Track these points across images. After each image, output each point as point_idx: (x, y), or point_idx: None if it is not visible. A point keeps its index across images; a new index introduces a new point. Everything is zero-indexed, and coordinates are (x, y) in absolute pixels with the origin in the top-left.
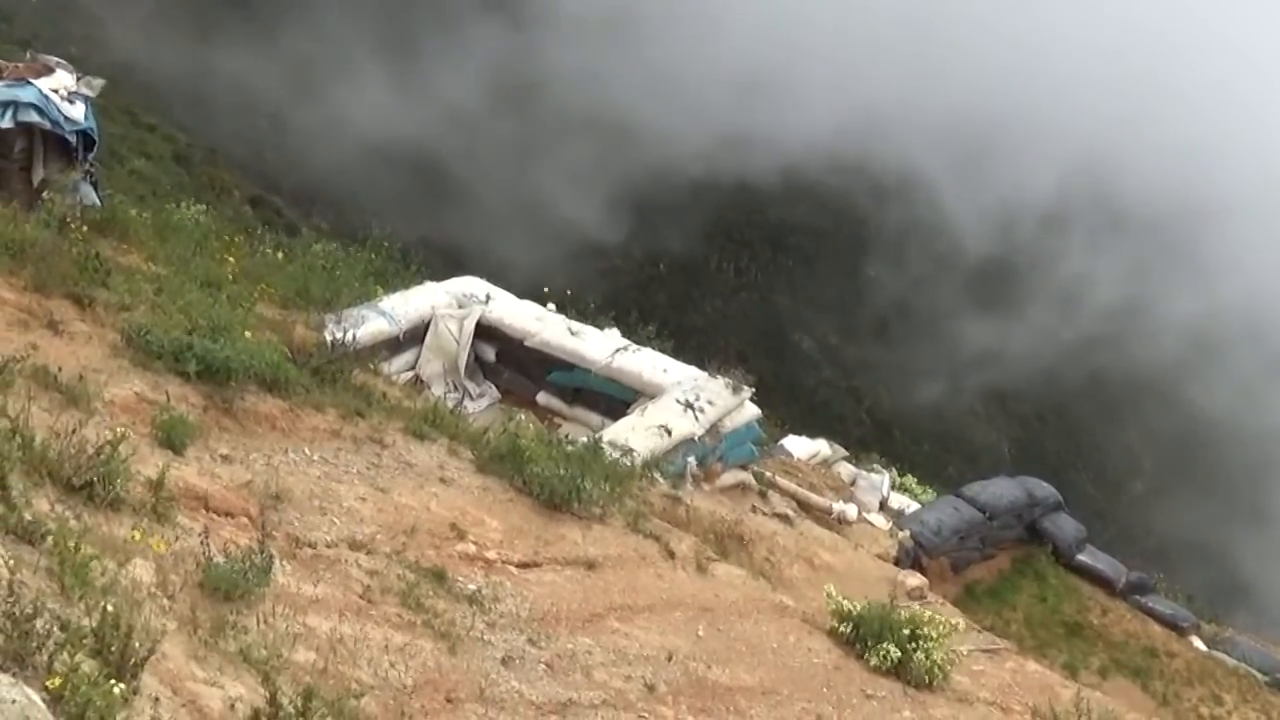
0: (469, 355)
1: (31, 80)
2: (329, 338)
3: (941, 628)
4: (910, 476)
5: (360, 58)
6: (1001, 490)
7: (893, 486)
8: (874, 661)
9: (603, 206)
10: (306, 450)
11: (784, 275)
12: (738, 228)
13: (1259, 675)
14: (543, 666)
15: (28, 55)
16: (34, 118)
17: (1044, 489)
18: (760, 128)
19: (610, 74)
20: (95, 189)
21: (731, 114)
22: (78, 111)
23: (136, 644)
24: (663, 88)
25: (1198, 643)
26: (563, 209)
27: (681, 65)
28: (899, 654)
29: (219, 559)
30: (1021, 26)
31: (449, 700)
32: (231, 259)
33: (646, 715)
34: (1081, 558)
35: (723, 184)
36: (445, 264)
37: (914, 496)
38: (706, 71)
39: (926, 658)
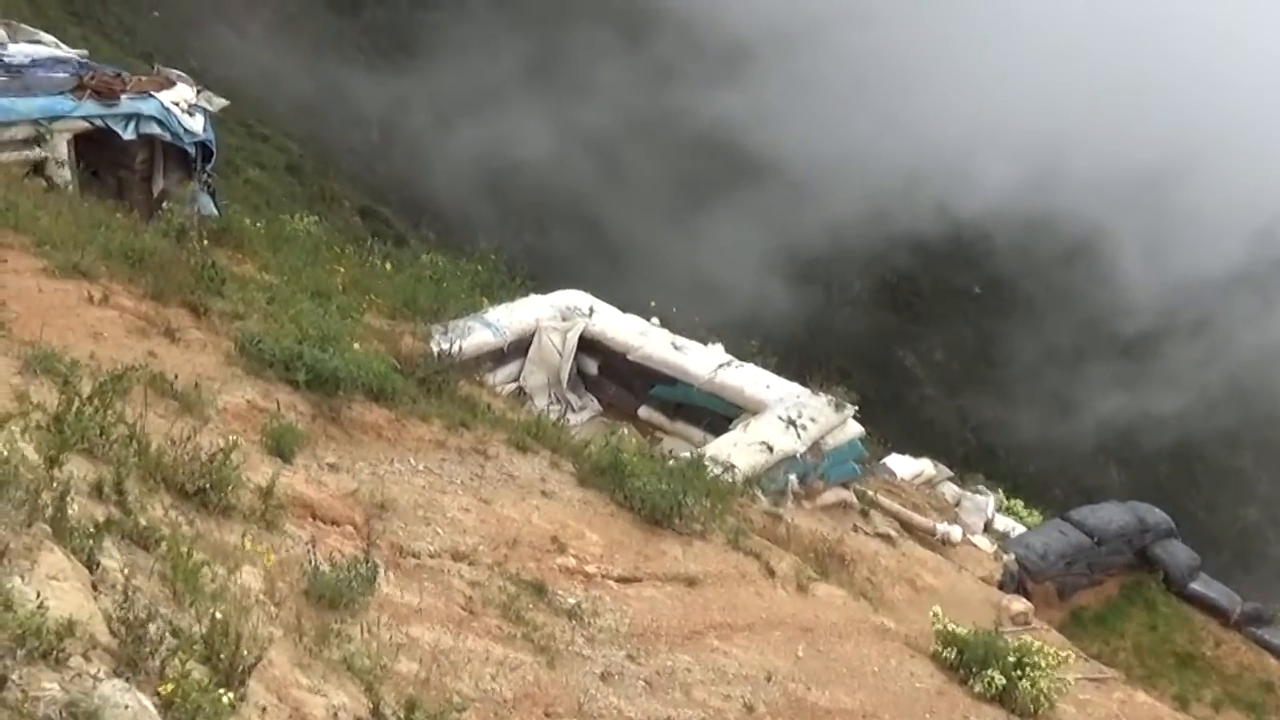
0: (572, 368)
1: (154, 93)
2: (435, 348)
3: (1050, 657)
4: (1016, 499)
5: (492, 80)
6: (1111, 515)
7: (998, 508)
8: (978, 688)
9: (762, 261)
10: (411, 460)
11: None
12: (907, 285)
13: None
14: (641, 683)
15: (154, 69)
16: (155, 129)
17: (1155, 514)
18: (938, 179)
19: (758, 112)
20: (213, 199)
21: (910, 165)
22: (197, 123)
23: (244, 651)
24: (829, 133)
25: None
26: (714, 256)
27: (858, 112)
28: (1004, 681)
29: (325, 567)
30: (1216, 81)
31: (547, 715)
32: (341, 269)
33: None
34: (1194, 586)
35: (895, 237)
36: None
37: (1020, 519)
38: (893, 119)
39: (1032, 686)
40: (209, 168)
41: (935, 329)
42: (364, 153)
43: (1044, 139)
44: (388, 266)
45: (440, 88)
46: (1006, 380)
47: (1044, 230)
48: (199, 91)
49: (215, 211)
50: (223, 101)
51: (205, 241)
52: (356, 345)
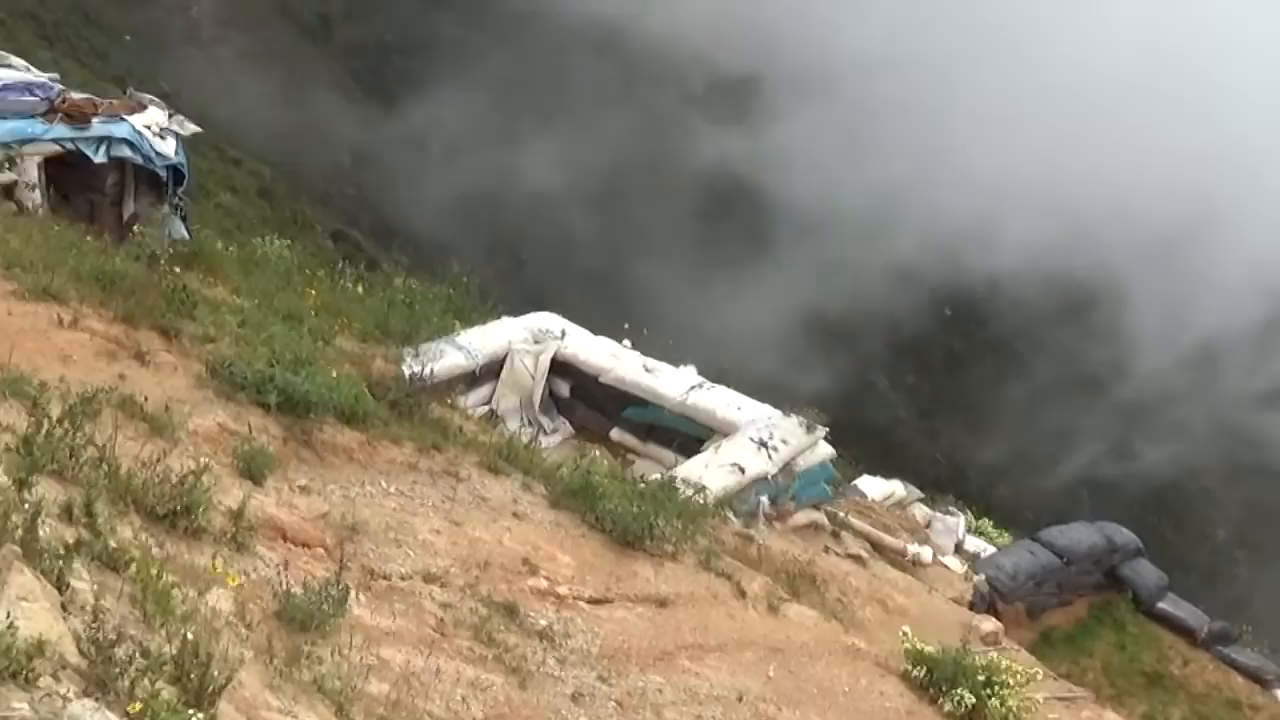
0: (544, 390)
1: (125, 116)
2: (407, 371)
3: (1018, 675)
4: (987, 520)
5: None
6: (1080, 535)
7: (969, 529)
8: (948, 707)
9: (754, 295)
10: (383, 482)
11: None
12: (918, 346)
13: None
14: (613, 704)
15: (127, 93)
16: (126, 153)
17: (1124, 534)
18: (971, 235)
19: (759, 153)
20: (184, 223)
21: (937, 219)
22: (169, 147)
23: (215, 672)
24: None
25: None
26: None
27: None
28: (973, 700)
29: (296, 590)
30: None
31: None
32: (313, 293)
33: None
34: (1162, 606)
35: (900, 280)
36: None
37: (990, 540)
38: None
39: (1001, 704)
40: (181, 191)
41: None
42: (336, 177)
43: (1066, 195)
44: (360, 290)
45: (414, 113)
46: (979, 405)
47: (1051, 282)
48: (171, 115)
49: (187, 235)
50: (194, 128)
51: (176, 265)
52: (328, 369)
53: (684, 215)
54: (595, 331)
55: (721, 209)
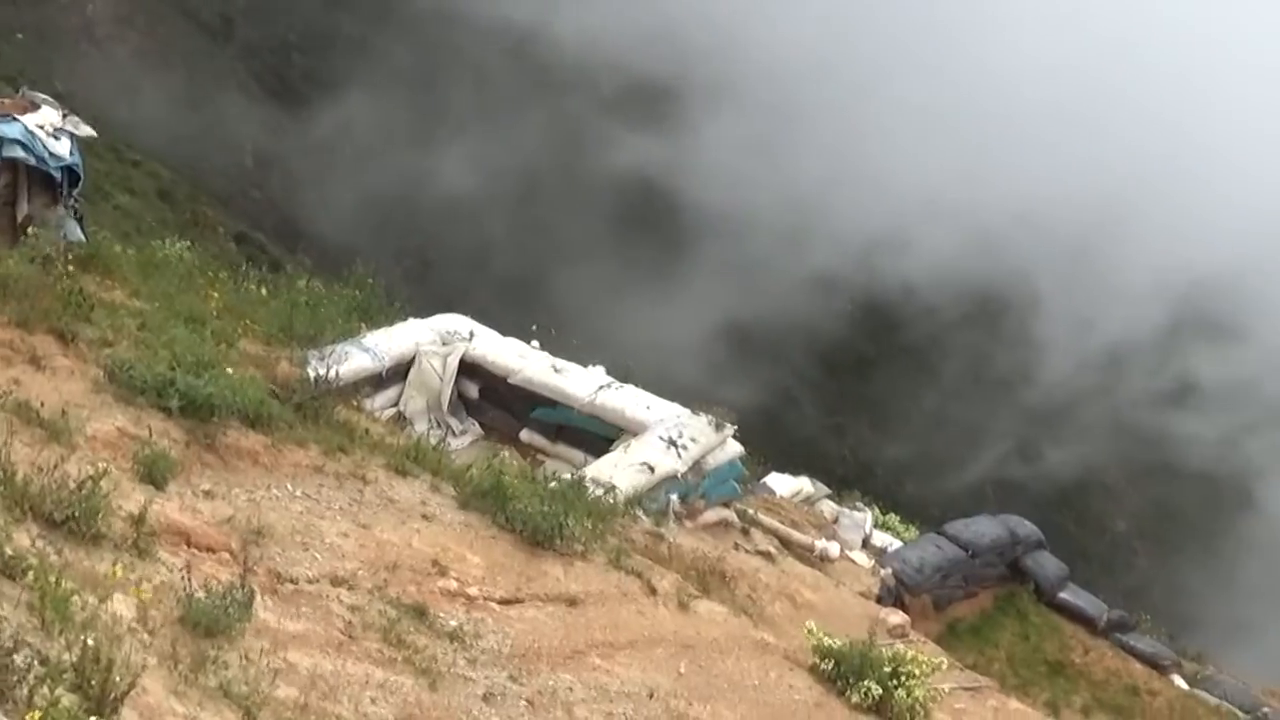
0: (452, 392)
1: (17, 116)
2: (312, 374)
3: (924, 666)
4: (893, 515)
5: (379, 108)
6: (984, 528)
7: (875, 524)
8: (855, 699)
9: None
10: (289, 486)
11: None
12: (830, 349)
13: (1240, 714)
14: (524, 703)
15: (19, 93)
16: (19, 153)
17: (1026, 527)
18: (884, 241)
19: (672, 158)
20: (80, 225)
21: (851, 224)
22: (63, 147)
23: (116, 678)
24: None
25: (1179, 681)
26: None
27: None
28: (880, 691)
29: (200, 595)
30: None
31: None
32: (215, 295)
33: None
34: (1063, 596)
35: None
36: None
37: (897, 535)
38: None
39: (908, 695)
40: (76, 193)
41: (820, 358)
42: (239, 179)
43: (977, 204)
44: (263, 292)
45: (319, 113)
46: (888, 406)
47: (961, 288)
48: (65, 116)
49: (82, 237)
50: (89, 130)
51: (72, 267)
52: (231, 371)
53: (596, 220)
54: (505, 334)
55: (634, 214)
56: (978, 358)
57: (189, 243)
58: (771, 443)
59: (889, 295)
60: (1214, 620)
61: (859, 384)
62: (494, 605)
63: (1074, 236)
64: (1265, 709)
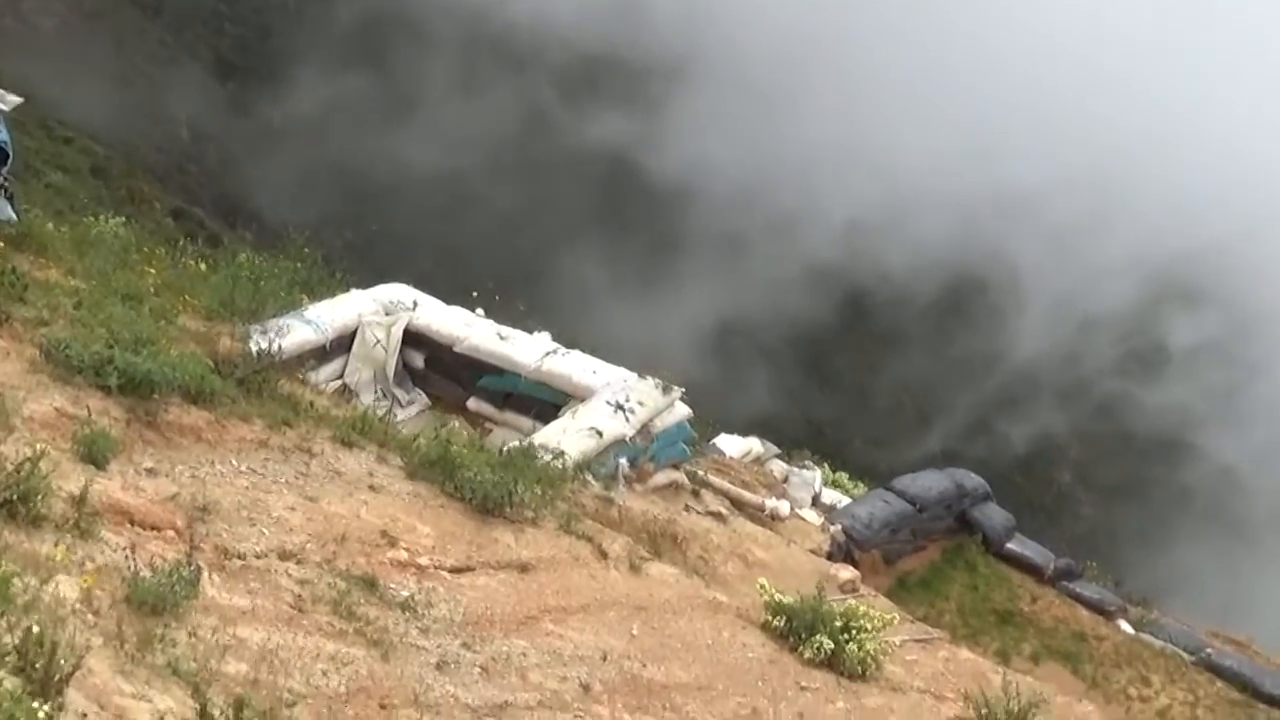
0: (397, 362)
1: None
2: (254, 348)
3: (874, 619)
4: (843, 473)
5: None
6: (930, 482)
7: (825, 482)
8: (807, 654)
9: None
10: (233, 461)
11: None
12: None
13: (1185, 655)
14: (477, 670)
15: None
16: None
17: (972, 479)
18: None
19: (640, 134)
20: (11, 204)
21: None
22: None
23: (61, 660)
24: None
25: (1125, 626)
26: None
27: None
28: (832, 646)
29: (145, 573)
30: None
31: (383, 707)
32: (153, 272)
33: (582, 715)
34: (1010, 546)
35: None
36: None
37: (846, 492)
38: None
39: (859, 649)
40: (6, 171)
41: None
42: (175, 154)
43: (959, 189)
44: (202, 267)
45: (254, 86)
46: (851, 379)
47: (939, 267)
48: None
49: (14, 217)
50: (16, 99)
51: (4, 247)
52: (172, 348)
53: (543, 192)
54: (450, 304)
55: (592, 187)
56: (945, 337)
57: (124, 219)
58: (732, 414)
59: (866, 277)
60: (1158, 567)
61: (827, 360)
62: (445, 574)
63: (1060, 216)
64: (1209, 650)
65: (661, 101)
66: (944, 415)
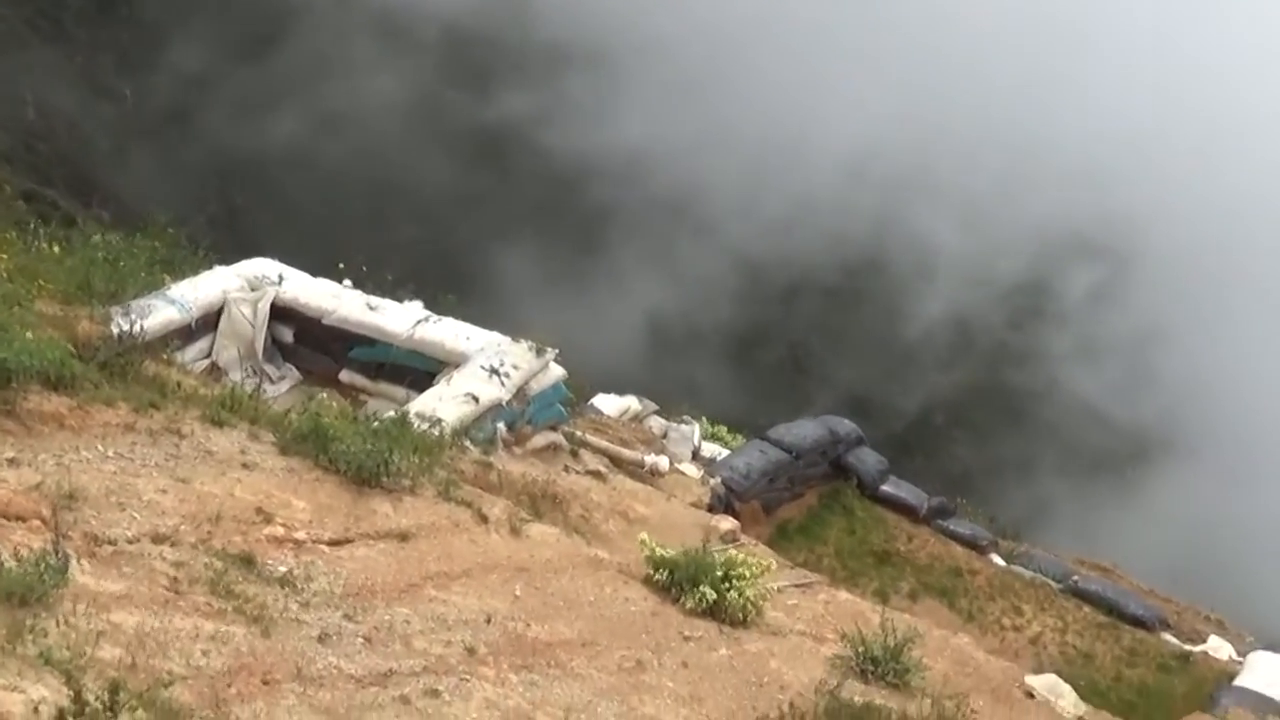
0: (266, 338)
1: None
2: (116, 330)
3: (754, 567)
4: (721, 425)
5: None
6: (805, 431)
7: (704, 436)
8: (690, 604)
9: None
10: (99, 446)
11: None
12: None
13: (1054, 584)
14: (360, 640)
15: None
16: None
17: (845, 425)
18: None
19: (539, 109)
20: None
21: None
22: None
23: None
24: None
25: (997, 559)
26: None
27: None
28: (714, 595)
29: (10, 564)
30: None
31: (265, 682)
32: (4, 256)
33: (468, 677)
34: (885, 489)
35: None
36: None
37: (725, 444)
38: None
39: (740, 596)
40: None
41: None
42: (20, 132)
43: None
44: (57, 250)
45: (103, 57)
46: (756, 355)
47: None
48: None
49: None
50: None
51: None
52: (28, 334)
53: (413, 163)
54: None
55: (479, 164)
56: (846, 310)
57: None
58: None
59: (773, 258)
60: (1028, 501)
61: (747, 339)
62: (323, 547)
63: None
64: (1075, 577)
65: (557, 81)
66: (840, 377)
